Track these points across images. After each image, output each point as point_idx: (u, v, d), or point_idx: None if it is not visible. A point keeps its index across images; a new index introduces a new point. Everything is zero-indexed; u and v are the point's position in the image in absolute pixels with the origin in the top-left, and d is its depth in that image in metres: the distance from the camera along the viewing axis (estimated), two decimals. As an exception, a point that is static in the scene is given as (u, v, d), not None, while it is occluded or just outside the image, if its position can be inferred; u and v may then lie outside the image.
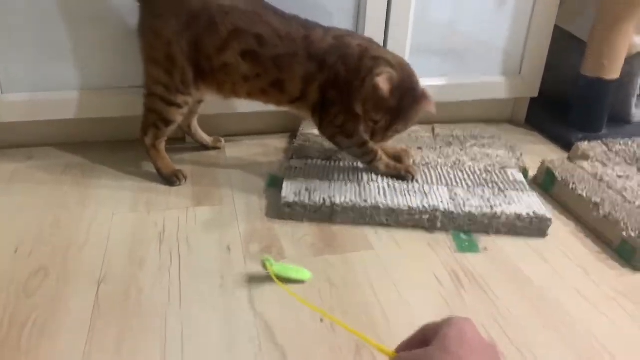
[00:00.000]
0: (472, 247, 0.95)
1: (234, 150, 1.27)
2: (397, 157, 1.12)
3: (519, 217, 0.97)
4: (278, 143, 1.31)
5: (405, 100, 0.95)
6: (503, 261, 0.92)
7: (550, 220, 0.98)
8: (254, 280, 0.85)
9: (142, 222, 0.99)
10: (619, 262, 0.93)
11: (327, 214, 0.99)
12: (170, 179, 1.12)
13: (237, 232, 0.97)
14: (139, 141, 1.11)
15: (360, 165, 1.12)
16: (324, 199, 0.99)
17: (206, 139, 1.27)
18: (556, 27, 1.41)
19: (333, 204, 0.98)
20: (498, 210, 0.98)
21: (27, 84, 1.16)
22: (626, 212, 0.97)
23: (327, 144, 1.15)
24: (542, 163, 1.16)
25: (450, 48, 1.36)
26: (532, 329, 0.77)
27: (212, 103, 1.21)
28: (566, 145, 1.34)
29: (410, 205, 0.98)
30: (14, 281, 0.82)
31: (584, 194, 1.04)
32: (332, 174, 1.08)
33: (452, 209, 0.97)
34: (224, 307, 0.79)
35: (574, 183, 1.07)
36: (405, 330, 0.57)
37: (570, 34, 1.43)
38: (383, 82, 0.92)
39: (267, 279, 0.84)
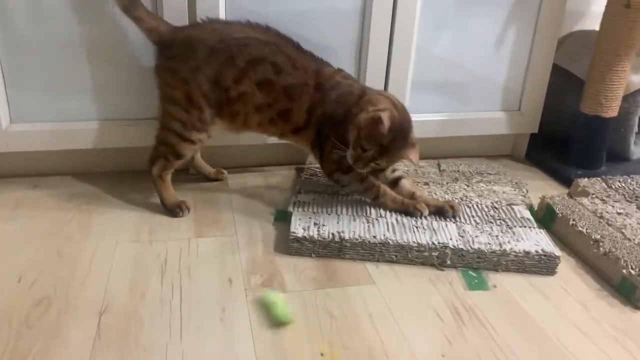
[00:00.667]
0: (482, 285, 0.95)
1: (236, 182, 1.29)
2: (439, 209, 1.09)
3: (527, 254, 0.98)
4: (279, 176, 1.33)
5: (397, 142, 0.99)
6: (503, 296, 0.92)
7: (559, 258, 0.98)
8: (255, 312, 0.85)
9: (145, 252, 0.99)
10: (620, 299, 0.93)
11: (335, 250, 0.99)
12: (174, 210, 1.12)
13: (238, 264, 0.97)
14: (146, 171, 1.13)
15: (364, 201, 1.12)
16: (332, 235, 0.99)
17: (209, 170, 1.28)
18: (556, 66, 1.44)
19: (342, 240, 0.98)
20: (507, 247, 0.98)
21: (35, 114, 1.19)
22: (626, 249, 0.98)
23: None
24: (542, 199, 1.17)
25: (451, 84, 1.39)
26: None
27: (215, 135, 1.22)
28: (566, 181, 1.35)
29: (420, 242, 0.98)
30: (16, 311, 0.83)
31: (584, 231, 1.04)
32: (340, 209, 1.08)
33: (461, 246, 0.98)
34: (225, 339, 0.79)
35: (574, 220, 1.08)
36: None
37: (570, 72, 1.46)
38: (386, 119, 0.95)
39: (268, 313, 0.85)
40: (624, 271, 0.93)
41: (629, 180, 1.25)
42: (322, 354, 0.77)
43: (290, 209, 1.08)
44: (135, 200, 1.18)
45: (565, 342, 0.82)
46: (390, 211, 1.08)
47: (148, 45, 1.09)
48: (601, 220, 1.08)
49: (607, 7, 1.30)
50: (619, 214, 1.11)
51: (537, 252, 0.98)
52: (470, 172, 1.31)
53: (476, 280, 0.96)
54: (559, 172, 1.39)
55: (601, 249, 0.99)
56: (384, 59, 1.29)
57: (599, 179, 1.25)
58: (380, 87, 1.30)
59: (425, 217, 1.07)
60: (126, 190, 1.22)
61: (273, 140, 1.16)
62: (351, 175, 1.07)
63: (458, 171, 1.32)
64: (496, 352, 0.79)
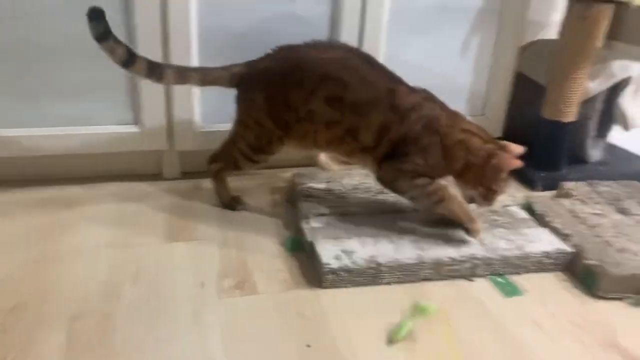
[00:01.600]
0: (516, 291, 0.98)
1: (209, 187, 1.30)
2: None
3: (547, 254, 1.02)
4: (254, 179, 1.35)
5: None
6: (465, 293, 0.96)
7: (572, 253, 1.03)
8: (227, 314, 0.87)
9: (120, 257, 1.00)
10: (582, 290, 0.99)
11: (371, 276, 0.96)
12: (231, 206, 1.20)
13: (212, 268, 0.99)
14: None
15: (374, 218, 1.10)
16: (367, 261, 0.96)
17: (333, 167, 1.34)
18: (520, 74, 1.50)
19: (379, 265, 0.96)
20: (527, 250, 1.02)
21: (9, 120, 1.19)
22: (593, 244, 1.04)
23: (334, 195, 1.19)
24: (525, 198, 1.24)
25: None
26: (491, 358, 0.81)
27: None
28: (529, 182, 1.41)
29: (452, 256, 0.99)
30: (-12, 317, 0.83)
31: (558, 226, 1.10)
32: (357, 231, 1.06)
33: (488, 254, 1.01)
34: (198, 342, 0.81)
35: (550, 216, 1.14)
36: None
37: (532, 79, 1.52)
38: (504, 158, 1.01)
39: (240, 313, 0.87)
40: (586, 262, 0.99)
41: (613, 185, 1.32)
42: (308, 346, 0.80)
43: (308, 237, 1.03)
44: (110, 206, 1.19)
45: (523, 334, 0.86)
46: (452, 217, 1.05)
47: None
48: (575, 219, 1.14)
49: (565, 17, 1.37)
50: (595, 214, 1.17)
51: (554, 251, 1.03)
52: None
53: (509, 287, 0.98)
54: (523, 174, 1.44)
55: (569, 242, 1.05)
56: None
57: (584, 182, 1.32)
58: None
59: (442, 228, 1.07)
60: (101, 195, 1.23)
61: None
62: (415, 181, 1.04)
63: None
64: (458, 348, 0.83)
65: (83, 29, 1.15)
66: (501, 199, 1.12)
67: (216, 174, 1.20)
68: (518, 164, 1.02)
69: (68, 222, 1.11)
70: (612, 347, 0.85)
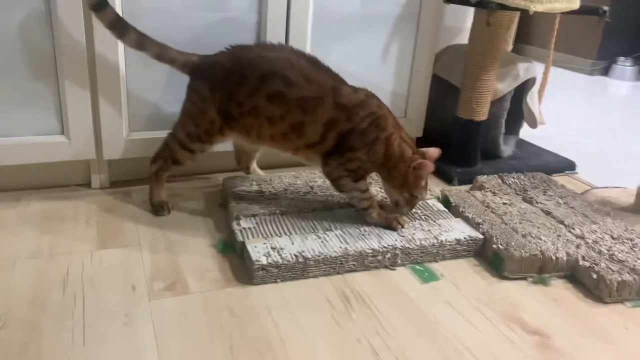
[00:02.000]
0: (433, 277, 1.05)
1: (138, 193, 1.32)
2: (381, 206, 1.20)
3: (459, 241, 1.11)
4: (187, 184, 1.37)
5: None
6: (386, 281, 1.03)
7: (482, 239, 1.13)
8: (158, 315, 0.89)
9: (45, 266, 1.00)
10: (491, 272, 1.08)
11: (300, 271, 1.01)
12: (156, 208, 1.23)
13: (141, 272, 1.01)
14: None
15: (303, 217, 1.17)
16: (295, 256, 1.01)
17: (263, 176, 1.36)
18: (437, 77, 1.61)
19: (305, 259, 1.01)
20: (442, 239, 1.11)
21: None
22: (500, 230, 1.14)
23: (265, 197, 1.23)
24: (442, 191, 1.34)
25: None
26: (408, 338, 0.88)
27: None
28: (447, 178, 1.52)
29: (374, 248, 1.06)
30: None
31: (470, 216, 1.20)
32: (286, 229, 1.11)
33: (406, 244, 1.08)
34: (128, 344, 0.83)
35: (464, 207, 1.24)
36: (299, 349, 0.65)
37: (448, 82, 1.63)
38: (427, 165, 1.10)
39: (171, 313, 0.90)
40: (494, 246, 1.08)
41: (522, 177, 1.44)
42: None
43: (239, 237, 1.07)
44: (34, 217, 1.17)
45: (437, 315, 0.94)
46: (372, 224, 1.14)
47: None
48: (487, 209, 1.25)
49: (472, 24, 1.49)
50: (504, 204, 1.28)
51: (465, 238, 1.12)
52: (376, 175, 1.40)
53: (426, 274, 1.06)
54: (441, 170, 1.55)
55: (480, 229, 1.15)
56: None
57: (495, 175, 1.44)
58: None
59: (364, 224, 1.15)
60: (28, 206, 1.21)
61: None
62: (358, 184, 1.13)
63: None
64: (378, 330, 0.89)
65: (9, 35, 1.15)
66: (421, 204, 1.24)
67: (156, 173, 1.22)
68: (431, 167, 1.12)
69: (-9, 235, 1.09)
70: (514, 320, 0.94)
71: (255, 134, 1.16)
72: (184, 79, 1.28)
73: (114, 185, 1.36)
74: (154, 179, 1.23)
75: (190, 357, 0.81)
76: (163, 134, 1.32)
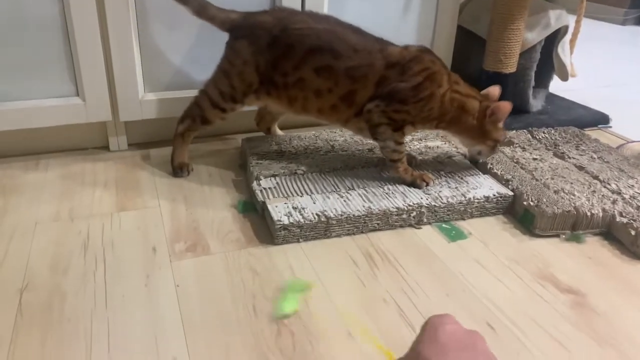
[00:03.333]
0: (461, 235, 1.02)
1: (156, 154, 1.29)
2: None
3: (487, 199, 1.07)
4: (206, 146, 1.35)
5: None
6: (411, 240, 1.00)
7: (512, 196, 1.08)
8: (179, 278, 0.88)
9: (66, 230, 0.99)
10: (521, 230, 1.04)
11: (322, 230, 0.99)
12: (176, 169, 1.21)
13: (162, 234, 0.99)
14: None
15: (324, 176, 1.13)
16: (317, 215, 0.98)
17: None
18: (461, 28, 1.53)
19: (328, 219, 0.98)
20: (470, 196, 1.07)
21: None
22: (531, 187, 1.09)
23: (285, 157, 1.20)
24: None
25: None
26: (436, 297, 0.85)
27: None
28: (473, 134, 1.45)
29: (398, 206, 1.02)
30: None
31: (499, 172, 1.15)
32: (308, 188, 1.08)
33: (433, 203, 1.04)
34: (150, 305, 0.82)
35: (492, 164, 1.19)
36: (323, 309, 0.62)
37: (473, 33, 1.55)
38: (502, 106, 1.08)
39: (193, 274, 0.88)
40: (525, 203, 1.04)
41: (552, 132, 1.38)
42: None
43: (260, 197, 1.04)
44: (54, 181, 1.16)
45: (466, 274, 0.91)
46: (398, 179, 1.11)
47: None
48: (516, 165, 1.19)
49: (501, -31, 1.40)
50: (534, 159, 1.22)
51: (494, 195, 1.08)
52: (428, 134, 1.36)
53: (454, 232, 1.03)
54: (467, 127, 1.49)
55: (509, 186, 1.10)
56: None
57: (524, 130, 1.38)
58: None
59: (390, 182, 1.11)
60: (45, 170, 1.20)
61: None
62: (395, 135, 1.09)
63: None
64: (405, 289, 0.87)
65: (19, 0, 1.12)
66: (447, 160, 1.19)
67: (182, 133, 1.19)
68: (508, 106, 1.09)
69: (12, 198, 1.09)
70: (547, 279, 0.91)
71: (299, 105, 1.12)
72: (203, 39, 1.24)
73: (132, 147, 1.34)
74: (179, 139, 1.20)
75: (213, 318, 0.80)
76: (180, 94, 1.30)
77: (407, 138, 1.32)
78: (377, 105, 1.08)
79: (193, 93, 1.21)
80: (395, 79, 1.07)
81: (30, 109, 1.20)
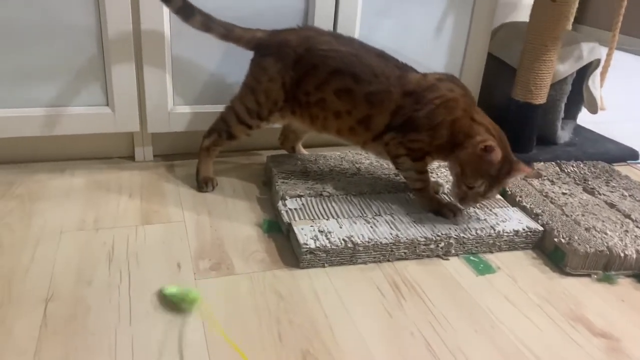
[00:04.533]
0: (489, 269, 1.00)
1: (182, 169, 1.29)
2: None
3: (517, 233, 1.05)
4: (230, 162, 1.34)
5: (504, 166, 1.00)
6: (439, 271, 0.98)
7: (541, 232, 1.06)
8: (204, 295, 0.87)
9: (90, 240, 0.99)
10: (550, 267, 1.02)
11: (348, 256, 0.97)
12: (201, 184, 1.20)
13: (187, 250, 0.98)
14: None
15: (350, 200, 1.12)
16: (344, 241, 0.96)
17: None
18: (490, 55, 1.52)
19: (355, 245, 0.96)
20: (499, 229, 1.04)
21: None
22: (562, 222, 1.07)
23: (311, 177, 1.19)
24: None
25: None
26: (464, 333, 0.83)
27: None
28: (500, 164, 1.44)
29: (426, 236, 1.00)
30: (-44, 302, 0.81)
31: (528, 206, 1.13)
32: (334, 212, 1.06)
33: (462, 234, 1.02)
34: (175, 323, 0.81)
35: (521, 196, 1.17)
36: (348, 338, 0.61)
37: (503, 61, 1.55)
38: (496, 153, 0.98)
39: (217, 293, 0.87)
40: (555, 240, 1.02)
41: (581, 166, 1.36)
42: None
43: (286, 218, 1.03)
44: (79, 189, 1.16)
45: (494, 310, 0.89)
46: (423, 207, 1.10)
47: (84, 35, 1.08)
48: (545, 199, 1.17)
49: (535, 0, 1.39)
50: (564, 194, 1.20)
51: (523, 229, 1.05)
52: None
53: (482, 266, 1.01)
54: (494, 155, 1.47)
55: (539, 221, 1.08)
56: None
57: (553, 163, 1.36)
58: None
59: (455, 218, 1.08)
60: (72, 178, 1.21)
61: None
62: (416, 164, 1.09)
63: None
64: (432, 322, 0.85)
65: (56, 9, 1.13)
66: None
67: (208, 148, 1.20)
68: (524, 169, 1.02)
69: (39, 206, 1.09)
70: (578, 320, 0.88)
71: (320, 124, 1.13)
72: (233, 54, 1.24)
73: (157, 158, 1.34)
74: (205, 154, 1.20)
75: (238, 341, 0.78)
76: (208, 108, 1.30)
77: (434, 164, 1.31)
78: (394, 138, 1.08)
79: (220, 108, 1.21)
80: (410, 108, 1.06)
81: (60, 115, 1.21)
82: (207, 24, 1.12)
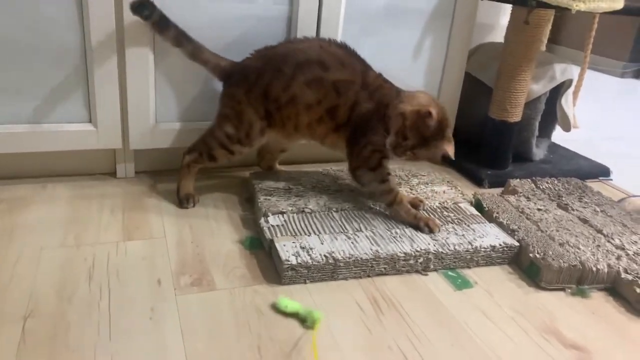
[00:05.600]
0: (467, 284, 1.02)
1: (164, 185, 1.30)
2: (412, 204, 1.17)
3: (493, 248, 1.08)
4: (212, 179, 1.35)
5: (437, 136, 1.08)
6: (418, 286, 1.00)
7: (517, 247, 1.09)
8: (184, 312, 0.87)
9: (71, 256, 0.99)
10: (526, 281, 1.04)
11: (329, 272, 0.98)
12: (182, 200, 1.21)
13: (167, 265, 0.99)
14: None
15: (332, 216, 1.13)
16: (325, 257, 0.98)
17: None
18: (468, 75, 1.56)
19: (336, 261, 0.98)
20: (477, 244, 1.07)
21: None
22: (537, 238, 1.10)
23: (293, 194, 1.21)
24: (474, 195, 1.29)
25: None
26: (441, 347, 0.85)
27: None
28: (477, 180, 1.47)
29: (405, 252, 1.02)
30: None
31: (504, 222, 1.16)
32: (315, 228, 1.08)
33: (440, 249, 1.04)
34: (154, 338, 0.81)
35: (497, 212, 1.20)
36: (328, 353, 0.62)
37: (480, 80, 1.59)
38: (435, 113, 1.05)
39: (198, 309, 0.88)
40: (531, 255, 1.05)
41: (556, 182, 1.39)
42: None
43: (268, 235, 1.04)
44: (62, 205, 1.16)
45: (471, 324, 0.91)
46: (401, 222, 1.12)
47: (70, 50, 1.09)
48: (521, 215, 1.20)
49: (509, 22, 1.44)
50: (539, 210, 1.24)
51: (500, 245, 1.08)
52: (405, 175, 1.38)
53: (459, 280, 1.03)
54: (471, 172, 1.51)
55: (515, 237, 1.11)
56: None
57: (528, 180, 1.39)
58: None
59: (397, 225, 1.11)
60: (54, 194, 1.20)
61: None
62: (375, 174, 1.13)
63: (396, 175, 1.34)
64: (410, 337, 0.87)
65: (39, 25, 1.13)
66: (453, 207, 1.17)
67: (189, 165, 1.21)
68: (434, 120, 1.06)
69: (19, 222, 1.08)
70: (551, 333, 0.91)
71: (292, 125, 1.16)
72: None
73: (138, 174, 1.34)
74: (185, 170, 1.21)
75: (218, 356, 0.79)
76: (192, 125, 1.31)
77: (414, 181, 1.34)
78: (352, 152, 1.15)
79: (204, 124, 1.23)
80: (363, 105, 1.13)
81: (43, 132, 1.21)
82: (179, 39, 1.16)
